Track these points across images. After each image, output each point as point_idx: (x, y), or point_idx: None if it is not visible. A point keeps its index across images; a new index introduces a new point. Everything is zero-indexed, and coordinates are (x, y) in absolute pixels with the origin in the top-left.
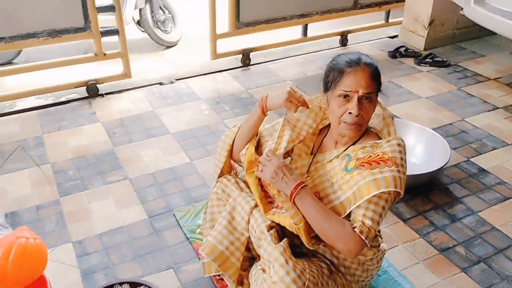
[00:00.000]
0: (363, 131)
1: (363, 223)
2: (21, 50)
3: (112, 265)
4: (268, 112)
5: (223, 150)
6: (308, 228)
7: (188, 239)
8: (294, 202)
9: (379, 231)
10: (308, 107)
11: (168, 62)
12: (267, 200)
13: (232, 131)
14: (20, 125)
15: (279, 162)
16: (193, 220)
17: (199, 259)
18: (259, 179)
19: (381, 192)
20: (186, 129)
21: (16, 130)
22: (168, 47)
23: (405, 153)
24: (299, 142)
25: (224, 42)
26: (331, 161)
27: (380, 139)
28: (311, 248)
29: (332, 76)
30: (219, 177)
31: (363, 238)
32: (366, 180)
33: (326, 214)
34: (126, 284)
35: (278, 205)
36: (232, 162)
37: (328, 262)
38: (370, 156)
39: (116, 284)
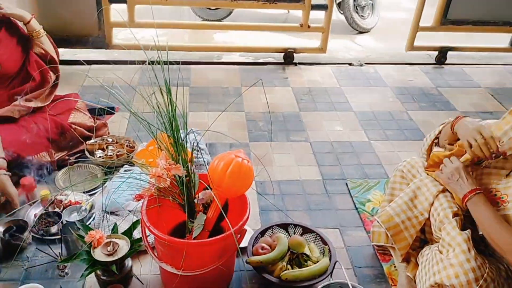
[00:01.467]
0: None
1: None
2: (232, 11)
3: (286, 210)
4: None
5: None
6: None
7: (356, 208)
8: (466, 205)
9: None
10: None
11: (359, 46)
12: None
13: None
14: (224, 75)
15: (459, 164)
16: (364, 194)
17: (364, 229)
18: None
19: None
20: (368, 110)
21: (220, 78)
22: (361, 32)
23: None
24: None
25: (419, 35)
26: None
27: None
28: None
29: None
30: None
31: None
32: None
33: (497, 223)
34: (299, 227)
35: None
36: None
37: (505, 266)
38: None
39: (291, 224)
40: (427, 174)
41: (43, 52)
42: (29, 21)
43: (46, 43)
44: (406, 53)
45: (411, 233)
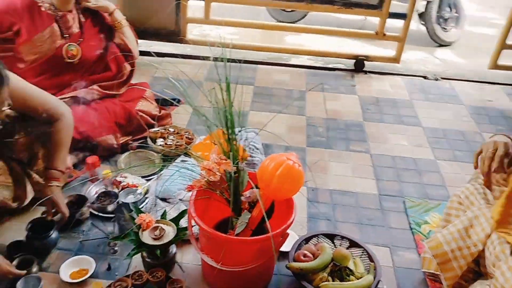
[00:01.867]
0: None
1: None
2: (306, 14)
3: (335, 221)
4: None
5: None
6: None
7: (411, 229)
8: None
9: None
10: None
11: (437, 59)
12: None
13: None
14: (290, 77)
15: None
16: (422, 214)
17: (417, 252)
18: None
19: None
20: (438, 127)
21: (286, 80)
22: (441, 45)
23: None
24: None
25: (504, 53)
26: None
27: None
28: None
29: None
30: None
31: None
32: None
33: None
34: (346, 240)
35: None
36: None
37: None
38: None
39: (338, 235)
40: (499, 234)
41: (122, 43)
42: (112, 12)
43: (127, 33)
44: (488, 71)
45: (460, 264)
